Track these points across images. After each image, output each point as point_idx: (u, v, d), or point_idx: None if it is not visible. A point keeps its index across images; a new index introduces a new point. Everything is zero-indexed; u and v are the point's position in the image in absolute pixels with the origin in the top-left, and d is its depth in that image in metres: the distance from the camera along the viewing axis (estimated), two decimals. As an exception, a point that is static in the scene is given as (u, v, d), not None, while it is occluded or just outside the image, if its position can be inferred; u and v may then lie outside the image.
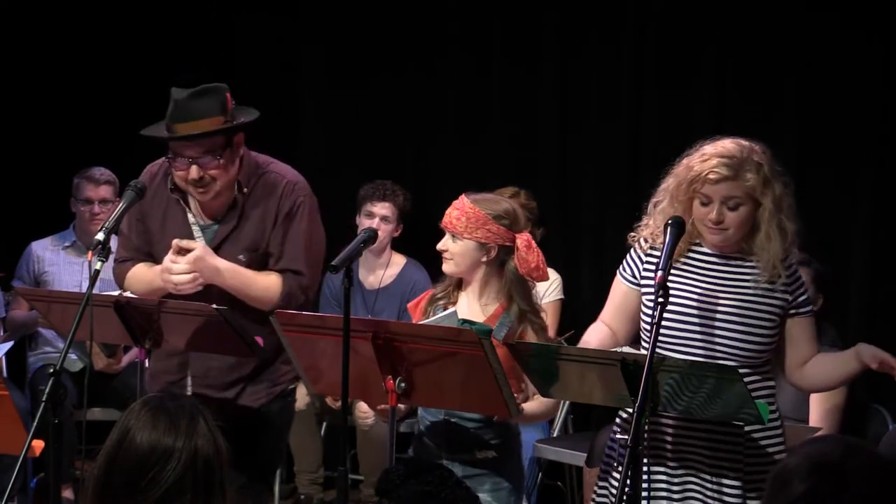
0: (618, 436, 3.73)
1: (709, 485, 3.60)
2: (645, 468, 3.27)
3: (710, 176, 3.53)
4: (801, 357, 3.67)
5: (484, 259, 3.96)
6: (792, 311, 3.63)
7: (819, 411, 4.90)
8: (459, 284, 4.05)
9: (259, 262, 4.15)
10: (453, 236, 3.96)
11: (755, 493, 3.56)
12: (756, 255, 3.61)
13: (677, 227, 3.50)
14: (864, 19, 5.61)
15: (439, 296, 4.06)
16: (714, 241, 3.63)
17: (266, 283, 4.11)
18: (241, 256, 4.10)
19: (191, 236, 4.16)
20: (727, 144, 3.59)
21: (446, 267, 4.01)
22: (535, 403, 3.89)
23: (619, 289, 3.81)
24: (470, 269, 3.98)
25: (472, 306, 3.99)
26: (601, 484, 3.83)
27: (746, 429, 3.57)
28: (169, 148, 4.08)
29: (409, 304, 4.20)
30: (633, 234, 3.75)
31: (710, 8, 5.94)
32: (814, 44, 5.73)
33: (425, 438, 4.01)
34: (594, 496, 3.85)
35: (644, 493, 3.29)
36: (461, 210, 3.96)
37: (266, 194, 4.16)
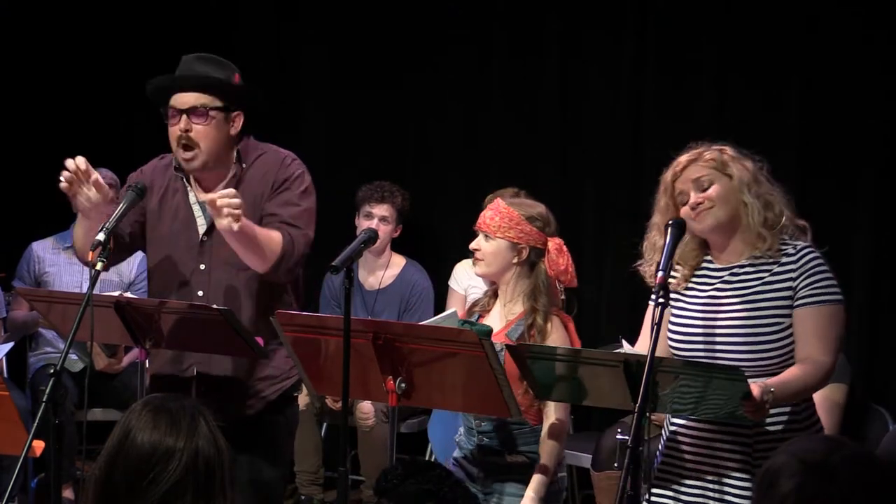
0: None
1: (712, 485, 3.59)
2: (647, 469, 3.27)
3: (677, 169, 3.61)
4: (797, 355, 3.53)
5: (515, 260, 3.99)
6: (796, 302, 3.53)
7: (818, 411, 4.89)
8: (495, 293, 4.08)
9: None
10: (486, 236, 4.01)
11: None
12: (741, 234, 3.58)
13: (677, 228, 3.51)
14: (864, 15, 5.61)
15: (476, 307, 4.10)
16: (704, 226, 3.59)
17: (268, 233, 4.05)
18: None
19: (191, 213, 4.18)
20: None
21: (478, 268, 4.06)
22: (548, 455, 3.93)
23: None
24: (501, 270, 4.01)
25: (499, 311, 4.03)
26: (656, 491, 3.78)
27: (754, 426, 3.53)
28: (168, 106, 4.11)
29: (461, 315, 4.22)
30: (648, 270, 3.69)
31: (711, 7, 5.94)
32: (815, 41, 5.73)
33: (459, 468, 4.00)
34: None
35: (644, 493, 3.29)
36: (495, 210, 4.02)
37: (266, 169, 4.18)
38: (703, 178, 3.57)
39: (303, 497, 6.25)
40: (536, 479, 3.88)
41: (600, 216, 6.25)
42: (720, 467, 3.58)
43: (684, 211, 3.59)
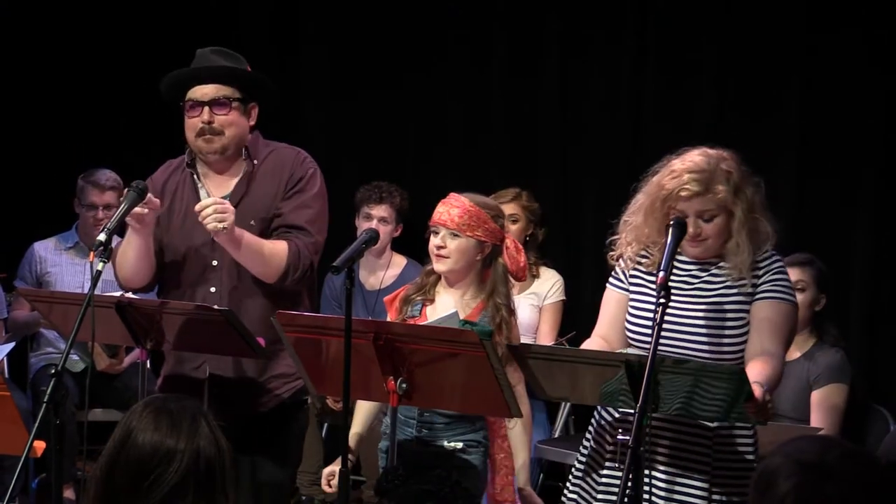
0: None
1: (664, 483, 3.60)
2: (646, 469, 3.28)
3: (682, 193, 3.58)
4: (753, 348, 3.59)
5: (478, 257, 4.02)
6: (756, 297, 3.60)
7: (819, 411, 4.90)
8: (436, 284, 4.08)
9: (270, 230, 4.16)
10: (453, 234, 3.99)
11: (719, 490, 3.57)
12: (726, 261, 3.63)
13: (679, 228, 3.52)
14: (865, 15, 5.61)
15: (416, 296, 4.08)
16: (695, 253, 3.67)
17: (273, 246, 4.09)
18: (252, 222, 4.11)
19: None
20: (695, 158, 3.63)
21: (441, 265, 4.04)
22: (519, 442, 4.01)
23: (612, 297, 3.83)
24: (465, 268, 4.03)
25: (452, 303, 4.02)
26: (575, 482, 3.80)
27: (716, 428, 3.57)
28: (186, 99, 4.15)
29: (386, 299, 4.23)
30: (612, 253, 3.80)
31: (711, 7, 5.94)
32: (815, 41, 5.73)
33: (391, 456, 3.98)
34: (565, 495, 3.83)
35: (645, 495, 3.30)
36: (462, 208, 4.01)
37: (277, 165, 4.21)
38: (708, 213, 3.59)
39: (303, 497, 6.25)
40: (523, 473, 4.02)
41: (600, 216, 6.22)
42: (677, 464, 3.59)
43: None
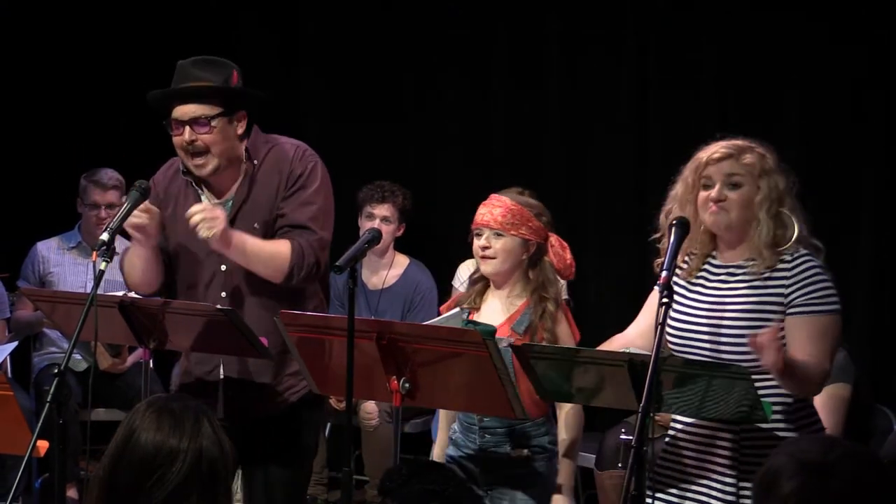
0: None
1: (702, 488, 3.60)
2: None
3: (714, 156, 3.57)
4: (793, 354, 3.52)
5: (524, 256, 3.99)
6: (788, 310, 3.53)
7: (823, 411, 4.89)
8: (483, 291, 4.06)
9: (275, 229, 4.14)
10: (497, 234, 3.96)
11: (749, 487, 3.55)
12: (750, 252, 3.59)
13: (681, 227, 3.51)
14: (865, 15, 5.62)
15: (465, 304, 4.06)
16: (716, 222, 3.58)
17: (274, 248, 4.04)
18: (256, 225, 4.09)
19: None
20: (731, 139, 3.65)
21: (488, 266, 4.00)
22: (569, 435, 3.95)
23: (656, 299, 3.77)
24: (511, 268, 4.00)
25: (498, 305, 4.01)
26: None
27: (742, 425, 3.55)
28: (171, 118, 4.09)
29: (442, 307, 4.22)
30: (658, 260, 3.72)
31: (711, 7, 5.95)
32: (815, 41, 5.73)
33: (457, 467, 3.97)
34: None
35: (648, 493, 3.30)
36: (504, 207, 3.99)
37: (278, 163, 4.15)
38: (735, 178, 3.56)
39: (307, 497, 6.26)
40: (565, 471, 3.94)
41: (601, 215, 6.25)
42: (707, 467, 3.58)
43: (704, 197, 3.57)
